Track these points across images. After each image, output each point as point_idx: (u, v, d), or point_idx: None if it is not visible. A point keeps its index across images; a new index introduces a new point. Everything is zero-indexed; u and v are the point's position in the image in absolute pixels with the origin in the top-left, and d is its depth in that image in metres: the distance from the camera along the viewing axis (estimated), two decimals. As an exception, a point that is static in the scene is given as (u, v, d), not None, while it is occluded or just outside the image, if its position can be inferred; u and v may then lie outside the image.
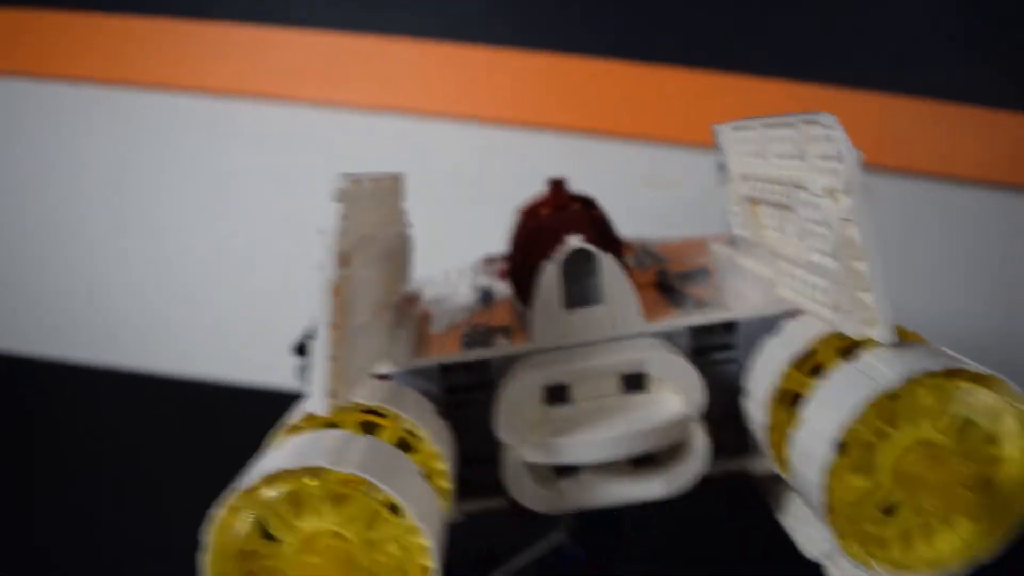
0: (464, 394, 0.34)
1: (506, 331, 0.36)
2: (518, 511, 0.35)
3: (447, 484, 0.31)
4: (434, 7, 0.69)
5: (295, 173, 0.72)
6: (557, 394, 0.33)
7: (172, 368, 0.77)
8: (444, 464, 0.31)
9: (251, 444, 0.31)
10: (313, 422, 0.29)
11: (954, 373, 0.26)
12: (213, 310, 0.76)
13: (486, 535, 0.52)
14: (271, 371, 0.66)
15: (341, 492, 0.26)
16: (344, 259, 0.26)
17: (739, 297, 0.36)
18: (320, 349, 0.26)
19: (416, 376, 0.34)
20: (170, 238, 0.76)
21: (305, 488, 0.26)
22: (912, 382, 0.26)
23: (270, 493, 0.26)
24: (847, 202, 0.26)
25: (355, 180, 0.27)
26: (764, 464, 0.36)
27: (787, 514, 0.37)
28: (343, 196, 0.26)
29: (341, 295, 0.26)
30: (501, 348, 0.34)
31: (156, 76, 0.72)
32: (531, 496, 0.33)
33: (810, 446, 0.27)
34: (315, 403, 0.26)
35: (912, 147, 0.68)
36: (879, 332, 0.26)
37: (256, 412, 0.38)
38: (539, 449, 0.32)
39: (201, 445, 0.67)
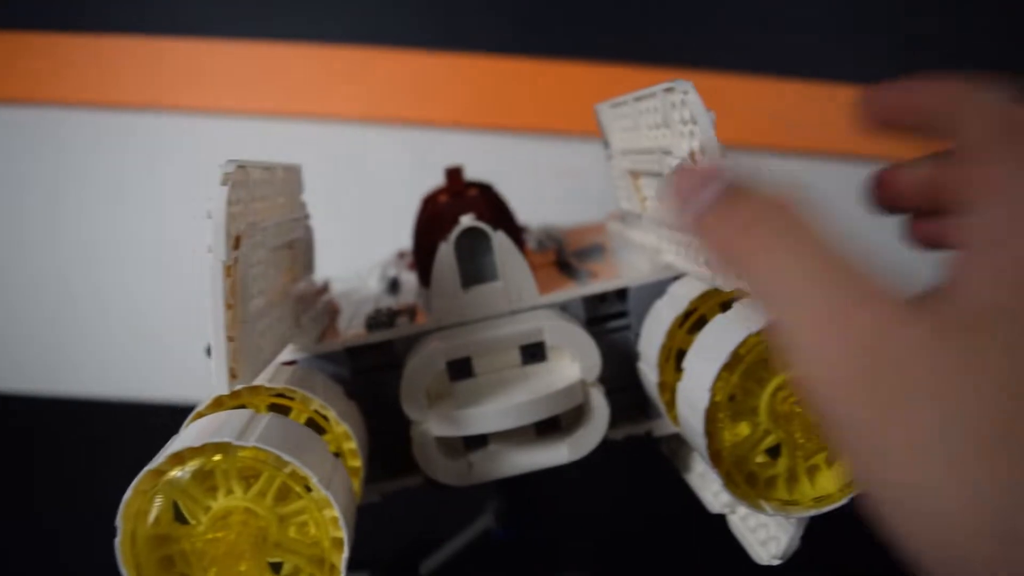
0: (373, 375, 0.35)
1: (409, 313, 0.37)
2: (433, 486, 0.36)
3: (358, 463, 0.32)
4: (339, 12, 0.70)
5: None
6: (460, 369, 0.34)
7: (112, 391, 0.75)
8: (354, 443, 0.32)
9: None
10: (220, 406, 0.30)
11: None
12: (128, 327, 0.75)
13: (416, 522, 0.53)
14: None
15: (249, 466, 0.27)
16: (233, 242, 0.27)
17: (630, 267, 0.37)
18: (215, 330, 0.27)
19: (324, 361, 0.35)
20: (98, 258, 0.75)
21: (212, 465, 0.27)
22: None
23: (178, 473, 0.27)
24: (706, 160, 0.28)
25: (242, 166, 0.28)
26: (664, 426, 0.37)
27: (692, 473, 0.39)
28: (229, 180, 0.27)
29: (233, 276, 0.27)
30: (403, 328, 0.35)
31: (64, 93, 0.71)
32: (442, 470, 0.34)
33: (691, 395, 0.29)
34: (216, 382, 0.27)
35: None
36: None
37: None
38: (445, 422, 0.33)
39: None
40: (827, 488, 0.30)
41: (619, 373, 0.37)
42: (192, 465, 0.27)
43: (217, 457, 0.27)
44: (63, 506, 0.65)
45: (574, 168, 0.69)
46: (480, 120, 0.70)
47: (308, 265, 0.38)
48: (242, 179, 0.28)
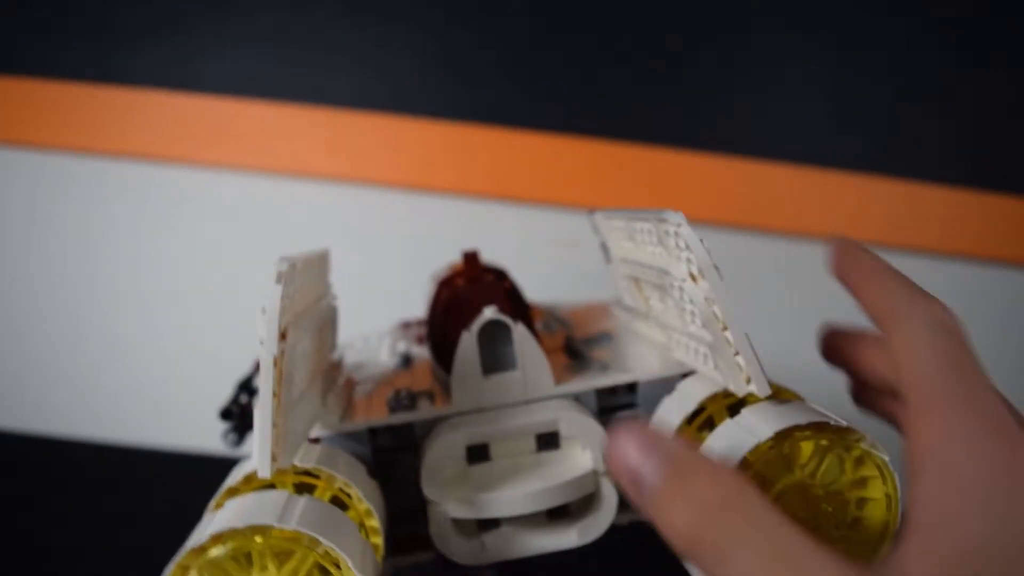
0: (391, 455, 0.37)
1: (428, 395, 0.39)
2: (445, 564, 0.37)
3: (379, 539, 0.34)
4: (346, 75, 0.73)
5: (204, 238, 0.74)
6: (477, 453, 0.36)
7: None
8: (376, 520, 0.34)
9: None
10: (251, 484, 0.32)
11: (819, 427, 0.30)
12: (133, 378, 0.76)
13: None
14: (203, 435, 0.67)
15: (286, 548, 0.28)
16: (283, 334, 0.29)
17: (639, 359, 0.40)
18: (261, 417, 0.28)
19: (346, 439, 0.36)
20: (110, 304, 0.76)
21: (252, 545, 0.28)
22: (782, 435, 0.30)
23: (217, 552, 0.28)
24: (705, 284, 0.30)
25: (292, 263, 0.30)
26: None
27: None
28: (283, 278, 0.29)
29: (280, 367, 0.29)
30: (424, 411, 0.36)
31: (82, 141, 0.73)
32: (456, 549, 0.35)
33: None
34: (259, 467, 0.28)
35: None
36: (757, 387, 0.30)
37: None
38: (462, 505, 0.34)
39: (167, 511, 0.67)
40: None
41: (625, 461, 0.38)
42: (232, 544, 0.28)
43: (258, 539, 0.28)
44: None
45: (578, 240, 0.71)
46: (471, 188, 0.73)
47: (333, 344, 0.40)
48: (291, 278, 0.30)
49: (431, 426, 0.37)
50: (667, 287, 0.33)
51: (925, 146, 0.76)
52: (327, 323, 0.38)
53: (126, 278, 0.75)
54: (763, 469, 0.30)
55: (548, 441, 0.36)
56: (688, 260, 0.30)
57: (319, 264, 0.36)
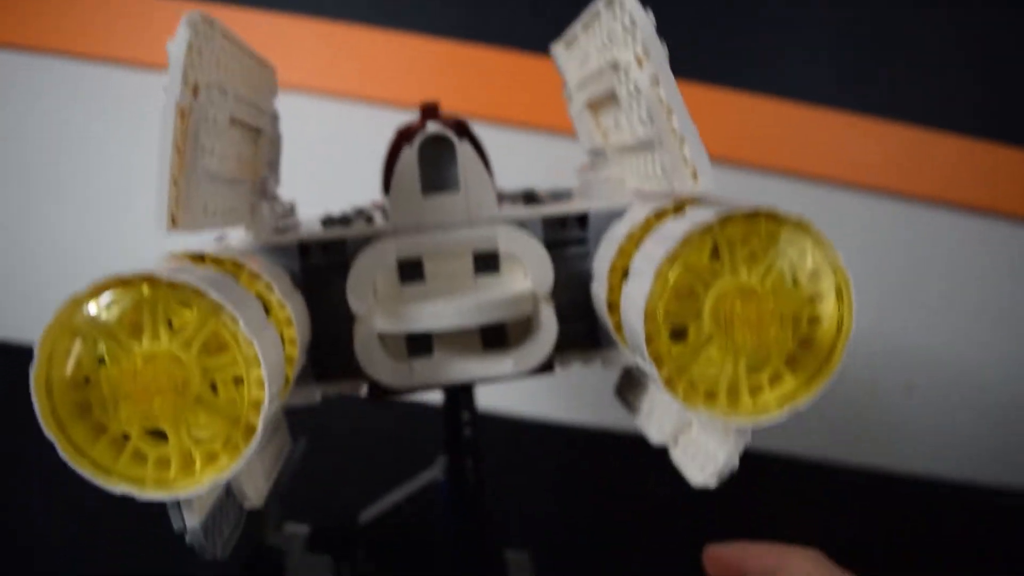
0: (322, 275, 0.35)
1: (367, 217, 0.37)
2: (374, 394, 0.35)
3: (295, 352, 0.32)
4: None
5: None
6: (410, 271, 0.34)
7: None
8: (295, 332, 0.32)
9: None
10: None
11: (768, 215, 0.28)
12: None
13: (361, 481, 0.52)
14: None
15: (181, 302, 0.26)
16: (191, 90, 0.27)
17: (594, 199, 0.37)
18: (160, 169, 0.26)
19: (275, 254, 0.35)
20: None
21: (139, 301, 0.26)
22: (726, 220, 0.27)
23: (103, 315, 0.26)
24: (649, 63, 0.28)
25: (209, 20, 0.28)
26: (614, 358, 0.37)
27: (640, 413, 0.38)
28: (193, 24, 0.27)
29: (186, 123, 0.27)
30: (358, 228, 0.34)
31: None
32: (383, 370, 0.33)
33: (634, 293, 0.29)
34: (156, 222, 0.27)
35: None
36: (702, 180, 0.28)
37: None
38: (389, 318, 0.32)
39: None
40: (768, 405, 0.29)
41: (574, 302, 0.36)
42: (117, 298, 0.26)
43: (145, 289, 0.26)
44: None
45: (564, 166, 0.69)
46: (467, 108, 0.71)
47: (273, 165, 0.38)
48: (208, 34, 0.28)
49: (365, 245, 0.35)
50: (617, 90, 0.31)
51: (915, 88, 0.73)
52: (265, 136, 0.36)
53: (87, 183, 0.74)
54: (697, 265, 0.28)
55: (487, 263, 0.34)
56: (634, 38, 0.28)
57: (255, 65, 0.34)
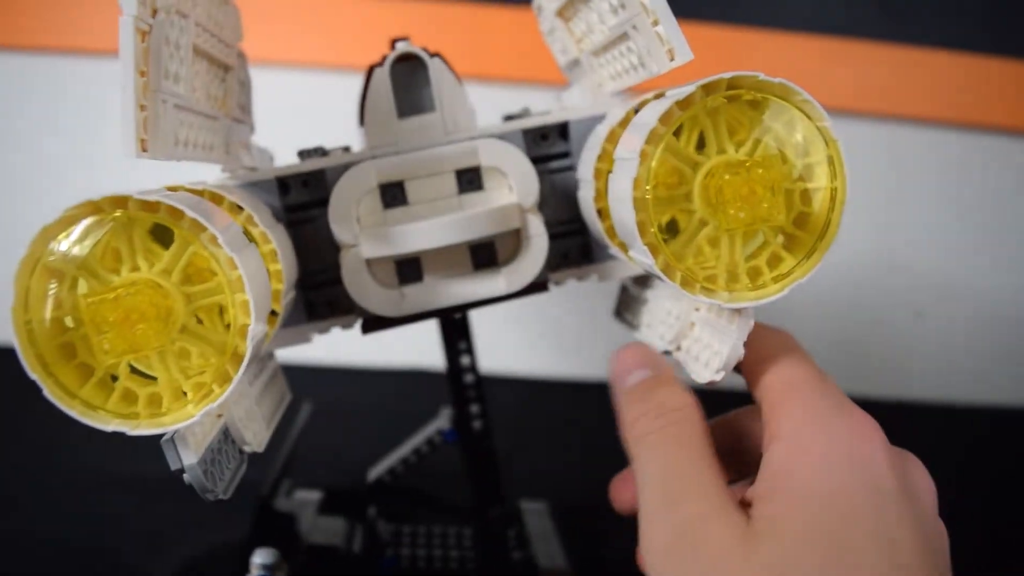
0: (303, 211, 0.34)
1: (345, 148, 0.36)
2: (369, 327, 0.34)
3: (280, 286, 0.31)
4: None
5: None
6: (393, 196, 0.33)
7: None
8: (279, 265, 0.31)
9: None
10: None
11: (751, 85, 0.27)
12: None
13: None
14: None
15: (157, 234, 0.26)
16: (150, 11, 0.26)
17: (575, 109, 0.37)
18: (123, 91, 0.25)
19: (253, 191, 0.34)
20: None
21: (113, 226, 0.25)
22: (707, 90, 0.27)
23: (76, 249, 0.25)
24: None
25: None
26: (609, 270, 0.36)
27: (641, 327, 0.38)
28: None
29: (147, 43, 0.26)
30: (336, 157, 0.34)
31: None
32: (375, 299, 0.32)
33: (619, 180, 0.28)
34: (123, 148, 0.26)
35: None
36: (679, 55, 0.27)
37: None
38: (375, 241, 0.32)
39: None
40: (767, 284, 0.28)
41: (563, 216, 0.35)
42: (91, 228, 0.25)
43: (117, 213, 0.25)
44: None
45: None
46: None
47: (245, 108, 0.37)
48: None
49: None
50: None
51: (924, 10, 0.72)
52: (234, 76, 0.35)
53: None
54: (682, 149, 0.27)
55: (470, 180, 0.33)
56: None
57: (220, 1, 0.34)
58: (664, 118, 0.26)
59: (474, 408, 0.44)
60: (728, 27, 0.71)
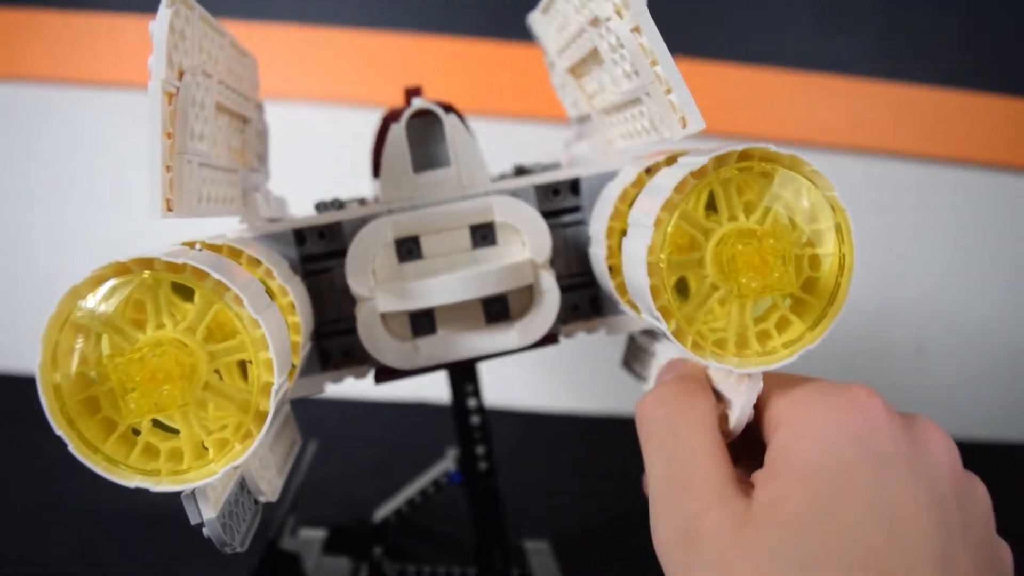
0: (320, 262, 0.35)
1: (360, 201, 0.37)
2: (382, 377, 0.35)
3: (299, 338, 0.31)
4: None
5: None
6: (408, 249, 0.34)
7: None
8: (298, 318, 0.31)
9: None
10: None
11: (762, 156, 0.28)
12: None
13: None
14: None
15: (181, 291, 0.26)
16: (177, 73, 0.27)
17: (585, 165, 0.37)
18: (151, 155, 0.26)
19: (270, 242, 0.34)
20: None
21: (139, 287, 0.26)
22: (720, 162, 0.27)
23: (102, 306, 0.26)
24: (629, 12, 0.28)
25: (189, 3, 0.28)
26: (618, 324, 0.37)
27: (648, 379, 0.38)
28: (173, 5, 0.27)
29: (173, 106, 0.27)
30: (352, 211, 0.34)
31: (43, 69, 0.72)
32: (389, 352, 0.33)
33: (634, 244, 0.29)
34: (150, 209, 0.26)
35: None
36: (691, 123, 0.28)
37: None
38: (391, 295, 0.32)
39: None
40: (775, 346, 0.29)
41: (574, 270, 0.36)
42: (117, 287, 0.26)
43: (145, 274, 0.26)
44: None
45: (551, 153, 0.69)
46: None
47: (262, 157, 0.38)
48: (188, 16, 0.28)
49: (361, 227, 0.34)
50: (599, 47, 0.31)
51: (919, 48, 0.73)
52: (252, 128, 0.36)
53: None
54: (694, 214, 0.28)
55: (484, 236, 0.34)
56: None
57: (241, 58, 0.34)
58: (679, 187, 0.27)
59: (479, 449, 0.45)
60: (724, 64, 0.72)
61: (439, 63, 0.71)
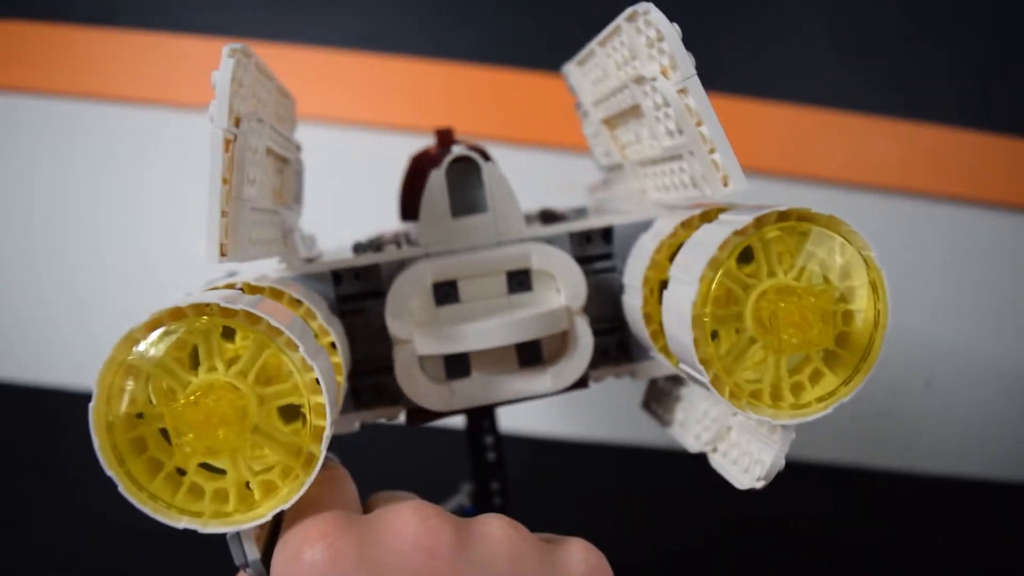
0: (357, 302, 0.35)
1: (396, 242, 0.37)
2: (414, 418, 0.35)
3: (340, 378, 0.32)
4: (350, 20, 0.72)
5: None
6: (446, 293, 0.34)
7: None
8: (339, 357, 0.32)
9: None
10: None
11: (800, 216, 0.29)
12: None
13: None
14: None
15: (233, 348, 0.27)
16: (234, 120, 0.28)
17: (615, 213, 0.38)
18: (211, 201, 0.27)
19: (308, 282, 0.35)
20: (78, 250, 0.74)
21: (194, 334, 0.26)
22: (761, 222, 0.28)
23: (153, 351, 0.26)
24: (677, 74, 0.29)
25: (247, 51, 0.29)
26: (646, 369, 0.37)
27: (674, 423, 0.39)
28: (235, 55, 0.27)
29: (231, 152, 0.27)
30: (390, 253, 0.35)
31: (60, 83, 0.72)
32: (426, 394, 0.33)
33: (676, 298, 0.29)
34: (207, 254, 0.27)
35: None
36: (734, 184, 0.29)
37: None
38: (429, 339, 0.33)
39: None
40: (808, 400, 0.30)
41: (603, 315, 0.37)
42: (170, 331, 0.26)
43: (203, 319, 0.26)
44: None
45: (576, 183, 0.70)
46: (476, 129, 0.71)
47: (298, 196, 0.39)
48: (246, 64, 0.29)
49: (398, 270, 0.35)
50: (641, 103, 0.32)
51: (929, 86, 0.75)
52: (291, 168, 0.36)
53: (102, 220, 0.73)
54: (735, 269, 0.29)
55: (520, 282, 0.35)
56: (659, 51, 0.29)
57: (281, 98, 0.35)
58: (723, 245, 0.28)
59: (494, 485, 0.45)
60: (740, 98, 0.73)
61: (460, 90, 0.72)
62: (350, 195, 0.70)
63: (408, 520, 0.26)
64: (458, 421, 0.45)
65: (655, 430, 0.41)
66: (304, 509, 0.27)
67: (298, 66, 0.72)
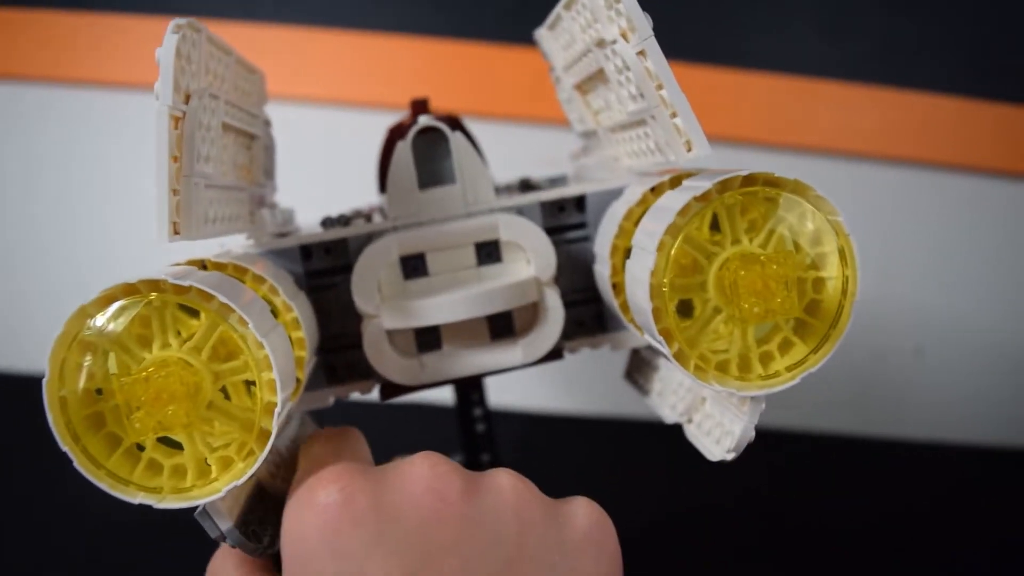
0: (325, 277, 0.35)
1: (366, 216, 0.37)
2: (386, 393, 0.35)
3: (304, 353, 0.32)
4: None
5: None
6: (414, 267, 0.34)
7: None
8: (302, 333, 0.32)
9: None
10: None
11: (766, 180, 0.28)
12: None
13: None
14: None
15: (187, 310, 0.27)
16: (183, 97, 0.27)
17: (591, 181, 0.37)
18: (159, 179, 0.26)
19: (277, 258, 0.35)
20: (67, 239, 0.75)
21: (147, 310, 0.26)
22: (723, 187, 0.27)
23: (110, 325, 0.26)
24: (635, 36, 0.28)
25: (196, 26, 0.28)
26: (622, 340, 0.37)
27: (652, 394, 0.38)
28: (180, 30, 0.27)
29: (180, 130, 0.27)
30: (358, 227, 0.34)
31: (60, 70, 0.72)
32: (394, 368, 0.33)
33: (637, 268, 0.29)
34: (157, 233, 0.27)
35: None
36: (697, 149, 0.28)
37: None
38: (397, 313, 0.32)
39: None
40: (777, 369, 0.29)
41: (578, 285, 0.36)
42: (125, 307, 0.26)
43: (152, 295, 0.26)
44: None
45: (562, 157, 0.69)
46: (461, 106, 0.70)
47: (269, 172, 0.38)
48: (195, 39, 0.28)
49: (366, 244, 0.35)
50: (603, 64, 0.31)
51: (915, 54, 0.73)
52: (259, 143, 0.36)
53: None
54: (698, 237, 0.28)
55: (489, 253, 0.34)
56: (617, 12, 0.29)
57: (244, 71, 0.35)
58: (683, 211, 0.27)
59: (485, 457, 0.45)
60: (723, 69, 0.71)
61: (442, 66, 0.71)
62: (331, 173, 0.69)
63: (420, 466, 0.27)
64: (447, 396, 0.45)
65: (643, 402, 0.40)
66: (319, 461, 0.28)
67: (275, 44, 0.71)
